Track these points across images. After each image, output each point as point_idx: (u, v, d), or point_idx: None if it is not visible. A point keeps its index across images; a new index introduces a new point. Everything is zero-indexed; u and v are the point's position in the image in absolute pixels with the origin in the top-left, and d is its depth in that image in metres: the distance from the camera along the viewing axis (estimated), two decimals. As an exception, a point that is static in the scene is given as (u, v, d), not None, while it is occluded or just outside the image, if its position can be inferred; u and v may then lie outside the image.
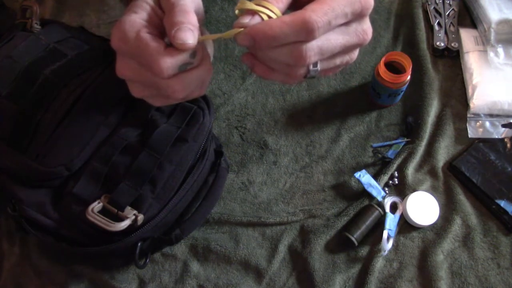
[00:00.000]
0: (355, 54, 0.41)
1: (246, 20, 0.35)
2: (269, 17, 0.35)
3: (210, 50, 0.41)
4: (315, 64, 0.38)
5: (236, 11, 0.36)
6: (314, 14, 0.33)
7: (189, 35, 0.35)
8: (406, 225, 0.65)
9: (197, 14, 0.39)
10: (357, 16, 0.37)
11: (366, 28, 0.38)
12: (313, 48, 0.35)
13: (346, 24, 0.37)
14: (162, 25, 0.38)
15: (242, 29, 0.35)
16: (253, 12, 0.35)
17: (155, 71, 0.35)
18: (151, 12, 0.38)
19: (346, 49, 0.39)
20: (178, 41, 0.35)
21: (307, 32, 0.34)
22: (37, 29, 0.60)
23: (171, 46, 0.36)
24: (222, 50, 0.78)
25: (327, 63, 0.39)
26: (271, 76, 0.39)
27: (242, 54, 0.39)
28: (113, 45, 0.37)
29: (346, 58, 0.40)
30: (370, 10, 0.37)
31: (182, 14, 0.36)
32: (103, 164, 0.55)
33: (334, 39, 0.36)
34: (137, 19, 0.37)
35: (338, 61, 0.40)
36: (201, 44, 0.37)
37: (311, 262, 0.62)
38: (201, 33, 0.39)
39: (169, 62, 0.35)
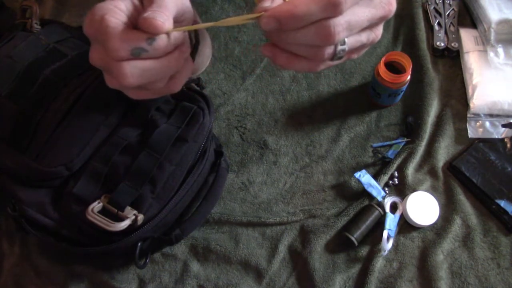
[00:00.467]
0: (379, 30, 0.39)
1: (268, 3, 0.34)
2: None
3: (209, 50, 0.40)
4: (342, 42, 0.37)
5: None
6: None
7: (159, 15, 0.35)
8: (406, 225, 0.65)
9: (184, 13, 0.39)
10: None
11: None
12: (341, 23, 0.34)
13: None
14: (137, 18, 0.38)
15: (263, 13, 0.33)
16: None
17: (108, 51, 0.35)
18: (129, 5, 0.38)
19: (373, 23, 0.37)
20: (148, 19, 0.34)
21: (334, 7, 0.32)
22: (37, 29, 0.60)
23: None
24: (222, 50, 0.78)
25: (354, 40, 0.38)
26: (294, 64, 0.37)
27: (261, 46, 0.37)
28: (84, 30, 0.37)
29: (372, 35, 0.39)
30: None
31: (157, 6, 0.36)
32: (103, 164, 0.55)
33: (361, 13, 0.35)
34: (108, 5, 0.36)
35: (364, 37, 0.38)
36: (170, 36, 0.36)
37: (311, 262, 0.62)
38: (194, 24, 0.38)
39: (120, 43, 0.34)
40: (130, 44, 0.34)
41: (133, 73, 0.36)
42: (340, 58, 0.38)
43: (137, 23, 0.37)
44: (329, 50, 0.36)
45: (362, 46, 0.39)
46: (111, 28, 0.35)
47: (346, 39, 0.37)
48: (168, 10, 0.36)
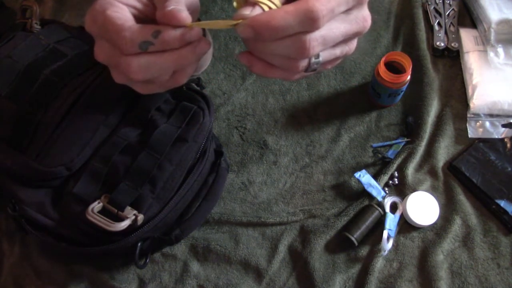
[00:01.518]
0: (354, 44, 0.40)
1: (247, 11, 0.34)
2: (270, 8, 0.34)
3: (210, 49, 0.40)
4: (316, 56, 0.37)
5: (234, 3, 0.36)
6: (318, 2, 0.33)
7: (182, 7, 0.35)
8: (406, 225, 0.65)
9: (192, 7, 0.39)
10: (357, 3, 0.36)
11: (365, 15, 0.38)
12: (316, 38, 0.34)
13: (346, 11, 0.36)
14: (145, 13, 0.38)
15: (241, 20, 0.34)
16: (253, 4, 0.34)
17: (116, 46, 0.35)
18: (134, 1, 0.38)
19: (347, 38, 0.38)
20: (173, 11, 0.34)
21: (312, 21, 0.33)
22: (37, 29, 0.60)
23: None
24: (222, 50, 0.78)
25: (328, 53, 0.38)
26: (270, 73, 0.38)
27: (238, 53, 0.38)
28: (86, 27, 0.37)
29: (346, 48, 0.39)
30: None
31: (173, 2, 0.36)
32: (103, 164, 0.55)
33: (336, 28, 0.36)
34: (108, 0, 0.37)
35: (338, 51, 0.39)
36: (188, 30, 0.36)
37: (311, 262, 0.62)
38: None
39: (128, 36, 0.34)
40: (137, 38, 0.34)
41: (141, 67, 0.36)
42: (314, 70, 0.39)
43: (148, 16, 0.37)
44: (304, 63, 0.37)
45: (336, 58, 0.40)
46: (116, 24, 0.35)
47: (320, 53, 0.37)
48: (184, 5, 0.36)
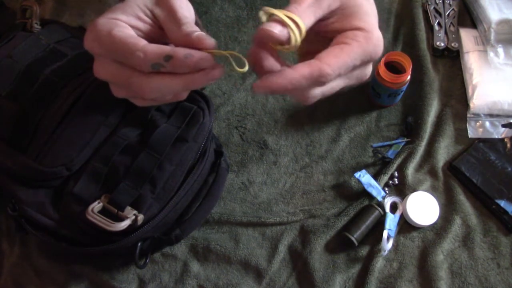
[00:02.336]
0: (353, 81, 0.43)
1: (276, 29, 0.34)
2: (294, 30, 0.35)
3: None
4: None
5: (262, 16, 0.36)
6: (330, 68, 0.35)
7: (206, 35, 0.36)
8: (406, 225, 0.65)
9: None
10: (364, 64, 0.38)
11: (367, 72, 0.40)
12: (317, 95, 0.37)
13: (351, 71, 0.38)
14: (148, 34, 0.39)
15: (257, 82, 0.35)
16: (282, 23, 0.35)
17: (133, 63, 0.35)
18: (132, 18, 0.39)
19: (344, 88, 0.41)
20: (201, 38, 0.36)
21: (320, 83, 0.35)
22: (37, 29, 0.60)
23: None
24: (222, 50, 0.78)
25: (328, 92, 0.41)
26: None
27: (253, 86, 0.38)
28: (87, 46, 0.38)
29: (343, 89, 0.42)
30: (377, 58, 0.38)
31: (186, 20, 0.37)
32: (103, 164, 0.55)
33: (336, 85, 0.38)
34: (111, 19, 0.37)
35: (338, 88, 0.42)
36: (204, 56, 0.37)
37: (311, 262, 0.62)
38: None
39: (142, 57, 0.35)
40: (151, 59, 0.35)
41: (153, 88, 0.36)
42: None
43: (153, 37, 0.39)
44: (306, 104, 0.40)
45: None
46: (128, 43, 0.35)
47: None
48: (196, 27, 0.38)
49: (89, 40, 0.37)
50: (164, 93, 0.37)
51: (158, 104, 0.42)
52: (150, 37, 0.40)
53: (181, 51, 0.35)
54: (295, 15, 0.35)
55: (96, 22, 0.37)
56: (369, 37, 0.37)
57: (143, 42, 0.36)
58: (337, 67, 0.35)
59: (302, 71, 0.35)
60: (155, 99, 0.39)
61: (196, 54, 0.35)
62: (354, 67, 0.37)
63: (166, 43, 0.38)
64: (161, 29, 0.40)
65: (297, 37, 0.35)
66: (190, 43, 0.36)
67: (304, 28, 0.35)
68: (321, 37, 0.39)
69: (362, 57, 0.36)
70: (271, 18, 0.35)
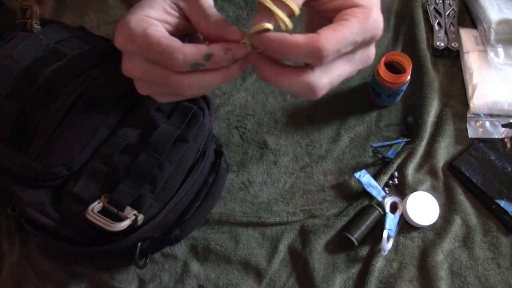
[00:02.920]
0: (355, 72, 0.42)
1: (263, 21, 0.35)
2: (281, 17, 0.35)
3: None
4: None
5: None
6: (327, 42, 0.34)
7: (240, 33, 0.36)
8: (406, 225, 0.65)
9: None
10: (366, 44, 0.37)
11: (370, 54, 0.39)
12: (326, 86, 0.37)
13: (353, 51, 0.38)
14: (177, 26, 0.39)
15: (255, 34, 0.35)
16: (271, 16, 0.35)
17: (171, 65, 0.35)
18: (161, 12, 0.38)
19: (351, 74, 0.40)
20: (234, 32, 0.36)
21: (317, 58, 0.35)
22: (37, 29, 0.60)
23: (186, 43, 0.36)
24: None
25: (336, 82, 0.41)
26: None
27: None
28: (119, 45, 0.37)
29: (350, 75, 0.42)
30: (378, 37, 0.38)
31: (214, 14, 0.38)
32: (103, 164, 0.55)
33: (342, 71, 0.38)
34: (143, 17, 0.37)
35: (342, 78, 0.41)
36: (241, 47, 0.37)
37: (311, 262, 0.62)
38: None
39: (182, 58, 0.35)
40: (190, 60, 0.35)
41: (192, 85, 0.37)
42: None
43: (180, 29, 0.38)
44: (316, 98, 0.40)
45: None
46: (165, 44, 0.35)
47: None
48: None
49: (121, 39, 0.37)
50: (202, 88, 0.38)
51: (181, 99, 0.42)
52: (178, 30, 0.39)
53: (219, 48, 0.35)
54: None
55: (128, 21, 0.37)
56: (368, 13, 0.36)
57: (179, 43, 0.35)
58: (335, 42, 0.34)
59: (299, 38, 0.34)
60: (191, 95, 0.39)
61: (234, 47, 0.36)
62: (356, 46, 0.36)
63: (193, 34, 0.38)
64: (188, 21, 0.39)
65: (286, 22, 0.35)
66: (221, 36, 0.36)
67: (296, 8, 0.35)
68: (324, 19, 0.39)
69: (362, 33, 0.36)
70: (259, 7, 0.36)
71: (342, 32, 0.35)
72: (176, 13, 0.39)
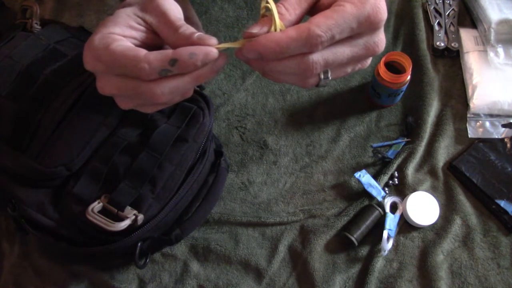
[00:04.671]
0: (367, 62, 0.41)
1: (255, 30, 0.36)
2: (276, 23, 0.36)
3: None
4: (325, 73, 0.39)
5: (263, 6, 0.37)
6: (318, 28, 0.34)
7: (206, 35, 0.36)
8: (406, 225, 0.65)
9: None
10: (367, 29, 0.37)
11: (377, 41, 0.38)
12: (319, 61, 0.36)
13: (357, 36, 0.37)
14: (144, 41, 0.39)
15: (245, 40, 0.36)
16: (263, 23, 0.36)
17: (139, 75, 0.35)
18: (125, 29, 0.38)
19: (356, 60, 0.39)
20: (203, 38, 0.36)
21: (310, 46, 0.34)
22: (37, 29, 0.60)
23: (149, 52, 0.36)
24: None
25: (338, 72, 0.40)
26: (282, 82, 0.40)
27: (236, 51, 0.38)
28: (87, 66, 0.37)
29: (358, 66, 0.41)
30: (382, 23, 0.37)
31: (180, 22, 0.37)
32: (103, 164, 0.55)
33: (340, 52, 0.37)
34: (106, 34, 0.37)
35: (349, 69, 0.40)
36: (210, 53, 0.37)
37: (311, 262, 0.62)
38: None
39: (147, 67, 0.35)
40: (156, 67, 0.35)
41: (164, 92, 0.36)
42: (325, 85, 0.40)
43: (148, 44, 0.38)
44: (312, 80, 0.39)
45: (348, 73, 0.41)
46: (130, 56, 0.35)
47: (329, 72, 0.39)
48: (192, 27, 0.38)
49: (88, 59, 0.37)
50: (176, 94, 0.37)
51: (165, 107, 0.42)
52: (147, 44, 0.39)
53: (185, 52, 0.35)
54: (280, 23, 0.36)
55: (92, 40, 0.37)
56: None
57: (143, 52, 0.35)
58: (327, 28, 0.34)
59: (289, 33, 0.34)
60: (166, 102, 0.39)
61: (200, 51, 0.35)
62: (354, 32, 0.36)
63: (161, 47, 0.38)
64: (155, 35, 0.39)
65: (277, 26, 0.36)
66: (192, 45, 0.36)
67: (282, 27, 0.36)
68: None
69: (358, 18, 0.35)
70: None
71: (334, 18, 0.34)
72: (142, 28, 0.39)
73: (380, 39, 0.39)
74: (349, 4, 0.35)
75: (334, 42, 0.36)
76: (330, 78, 0.39)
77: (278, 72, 0.38)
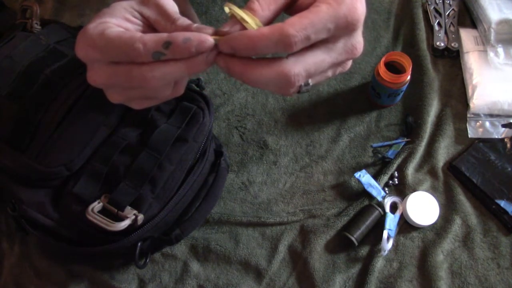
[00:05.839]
0: (348, 65, 0.41)
1: (226, 28, 0.36)
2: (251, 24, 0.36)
3: None
4: (306, 83, 0.38)
5: (226, 9, 0.37)
6: (292, 28, 0.33)
7: (210, 30, 0.36)
8: (406, 225, 0.65)
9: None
10: (344, 31, 0.36)
11: (355, 43, 0.38)
12: (300, 73, 0.36)
13: (334, 40, 0.37)
14: (140, 31, 0.39)
15: (220, 37, 0.36)
16: (236, 21, 0.36)
17: (133, 56, 0.35)
18: (121, 20, 0.38)
19: (336, 65, 0.39)
20: (196, 25, 0.36)
21: (284, 46, 0.34)
22: (37, 29, 0.60)
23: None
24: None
25: (319, 78, 0.39)
26: (263, 89, 0.39)
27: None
28: (80, 53, 0.37)
29: (338, 69, 0.40)
30: (359, 23, 0.37)
31: (177, 16, 0.37)
32: (103, 164, 0.55)
33: (320, 60, 0.36)
34: (100, 23, 0.37)
35: (330, 73, 0.40)
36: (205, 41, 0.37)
37: (311, 262, 0.62)
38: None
39: (142, 47, 0.35)
40: (151, 47, 0.35)
41: (155, 75, 0.36)
42: (307, 91, 0.39)
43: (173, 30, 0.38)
44: (293, 89, 0.38)
45: (329, 77, 0.41)
46: (125, 37, 0.35)
47: (310, 80, 0.38)
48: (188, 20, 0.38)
49: (81, 46, 0.37)
50: (167, 81, 0.37)
51: (155, 104, 0.42)
52: None
53: (180, 36, 0.35)
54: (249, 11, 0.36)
55: (86, 28, 0.37)
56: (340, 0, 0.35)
57: (138, 34, 0.35)
58: (301, 27, 0.33)
59: (263, 30, 0.34)
60: (157, 90, 0.38)
61: (195, 37, 0.35)
62: (330, 33, 0.35)
63: None
64: (151, 29, 0.39)
65: (252, 24, 0.36)
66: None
67: (258, 21, 0.36)
68: None
69: (334, 18, 0.35)
70: (230, 17, 0.37)
71: (309, 18, 0.34)
72: (138, 21, 0.39)
73: (358, 41, 0.38)
74: (324, 5, 0.35)
75: (312, 46, 0.35)
76: (311, 85, 0.39)
77: (259, 83, 0.37)
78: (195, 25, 0.37)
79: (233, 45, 0.35)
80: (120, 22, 0.38)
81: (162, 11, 0.38)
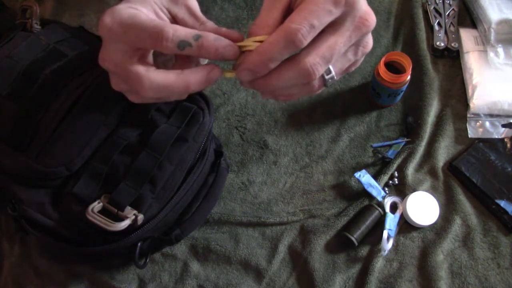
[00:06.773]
0: (368, 43, 0.40)
1: (238, 61, 0.38)
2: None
3: None
4: (328, 72, 0.38)
5: (227, 75, 0.39)
6: (294, 23, 0.34)
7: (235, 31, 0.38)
8: (406, 225, 0.65)
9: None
10: (346, 7, 0.35)
11: (363, 15, 0.37)
12: (316, 61, 0.35)
13: (341, 20, 0.36)
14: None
15: (236, 71, 0.37)
16: (242, 52, 0.38)
17: (160, 38, 0.35)
18: (152, 12, 0.39)
19: (353, 45, 0.38)
20: (231, 32, 0.38)
21: (293, 42, 0.34)
22: (37, 29, 0.60)
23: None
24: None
25: (340, 64, 0.39)
26: (294, 98, 0.40)
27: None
28: (105, 28, 0.37)
29: (359, 49, 0.39)
30: (360, 8, 0.36)
31: (197, 16, 0.40)
32: (103, 164, 0.55)
33: (333, 43, 0.36)
34: (130, 8, 0.37)
35: (351, 56, 0.39)
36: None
37: (311, 262, 0.62)
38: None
39: (172, 32, 0.35)
40: (180, 35, 0.35)
41: (151, 86, 0.37)
42: (333, 82, 0.39)
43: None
44: (317, 82, 0.38)
45: (354, 63, 0.40)
46: (157, 22, 0.36)
47: (331, 67, 0.38)
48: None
49: (109, 21, 0.36)
50: (162, 95, 0.38)
51: (155, 101, 0.42)
52: None
53: (211, 34, 0.36)
54: (259, 36, 0.36)
55: (115, 7, 0.37)
56: None
57: (169, 23, 0.36)
58: (302, 19, 0.34)
59: (269, 40, 0.35)
60: (152, 97, 0.39)
61: (224, 40, 0.36)
62: (332, 14, 0.35)
63: None
64: None
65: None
66: (224, 36, 0.37)
67: (264, 37, 0.36)
68: None
69: (332, 2, 0.34)
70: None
71: (306, 8, 0.34)
72: (166, 18, 0.40)
73: (366, 12, 0.37)
74: None
75: (321, 33, 0.35)
76: (333, 73, 0.38)
77: (284, 88, 0.38)
78: (224, 28, 0.38)
79: (249, 68, 0.35)
80: (149, 13, 0.38)
81: (191, 11, 0.39)
